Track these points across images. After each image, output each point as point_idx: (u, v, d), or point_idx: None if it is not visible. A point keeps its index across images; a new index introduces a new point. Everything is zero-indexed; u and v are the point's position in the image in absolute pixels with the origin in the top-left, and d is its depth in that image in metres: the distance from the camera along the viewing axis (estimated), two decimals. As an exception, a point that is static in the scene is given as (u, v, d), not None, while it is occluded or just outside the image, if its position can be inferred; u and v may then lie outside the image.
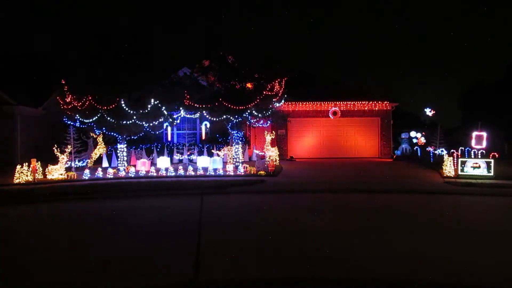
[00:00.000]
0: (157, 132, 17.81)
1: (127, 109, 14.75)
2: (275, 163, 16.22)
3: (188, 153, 19.30)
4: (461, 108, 30.88)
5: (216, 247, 6.73)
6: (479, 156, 14.74)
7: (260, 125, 17.80)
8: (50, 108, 20.14)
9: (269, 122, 17.62)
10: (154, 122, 15.77)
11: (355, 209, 10.10)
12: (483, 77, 29.95)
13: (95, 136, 17.67)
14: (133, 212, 10.01)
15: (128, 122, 15.16)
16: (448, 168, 14.45)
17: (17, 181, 13.39)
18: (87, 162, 17.27)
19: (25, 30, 34.59)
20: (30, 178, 13.62)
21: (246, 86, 15.63)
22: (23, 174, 13.55)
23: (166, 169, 15.22)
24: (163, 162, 16.48)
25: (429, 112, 19.66)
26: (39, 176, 14.08)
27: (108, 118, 14.97)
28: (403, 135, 21.59)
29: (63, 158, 15.00)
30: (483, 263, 5.92)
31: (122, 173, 14.73)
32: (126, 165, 15.98)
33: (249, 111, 15.90)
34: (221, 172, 14.99)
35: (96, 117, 15.09)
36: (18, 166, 13.65)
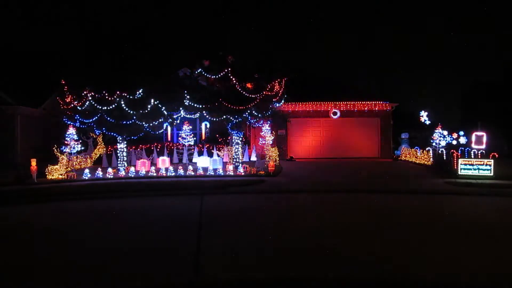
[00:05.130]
0: (157, 132, 17.80)
1: (127, 109, 14.75)
2: (275, 163, 16.21)
3: (188, 153, 19.30)
4: (461, 108, 30.91)
5: (216, 247, 6.74)
6: (479, 156, 14.75)
7: (260, 125, 17.80)
8: (50, 108, 20.15)
9: (269, 122, 17.61)
10: (154, 122, 15.76)
11: (355, 209, 10.10)
12: (483, 77, 29.91)
13: (95, 136, 17.68)
14: (133, 212, 10.01)
15: (128, 122, 15.16)
16: (448, 168, 14.46)
17: (17, 181, 13.37)
18: (87, 159, 17.27)
19: (25, 30, 34.55)
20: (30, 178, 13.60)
21: (246, 86, 15.62)
22: (22, 174, 13.54)
23: (166, 169, 15.21)
24: (163, 162, 16.48)
25: (426, 116, 19.92)
26: (39, 176, 14.06)
27: (108, 118, 14.97)
28: (403, 135, 21.61)
29: (62, 158, 15.02)
30: (483, 263, 5.92)
31: (122, 173, 14.72)
32: (126, 165, 15.98)
33: (249, 111, 15.90)
34: (221, 172, 14.98)
35: (96, 117, 15.09)
36: (18, 166, 13.65)
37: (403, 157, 20.70)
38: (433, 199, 11.53)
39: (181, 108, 16.03)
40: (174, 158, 19.17)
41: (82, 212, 10.19)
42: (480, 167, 13.89)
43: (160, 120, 15.86)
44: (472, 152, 15.38)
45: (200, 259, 6.16)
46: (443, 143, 17.88)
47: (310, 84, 23.09)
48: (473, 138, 15.56)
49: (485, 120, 19.91)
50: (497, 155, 14.26)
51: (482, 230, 7.86)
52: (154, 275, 5.51)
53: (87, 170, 14.49)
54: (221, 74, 15.40)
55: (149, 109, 14.98)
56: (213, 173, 14.87)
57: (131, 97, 14.90)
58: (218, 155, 17.47)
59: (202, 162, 16.85)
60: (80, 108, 15.11)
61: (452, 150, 15.40)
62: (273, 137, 17.68)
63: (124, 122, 15.15)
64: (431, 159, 17.58)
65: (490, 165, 13.80)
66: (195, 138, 20.72)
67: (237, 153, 16.64)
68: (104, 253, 6.53)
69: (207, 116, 16.58)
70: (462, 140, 17.52)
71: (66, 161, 15.32)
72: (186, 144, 18.65)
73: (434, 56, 36.69)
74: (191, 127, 19.06)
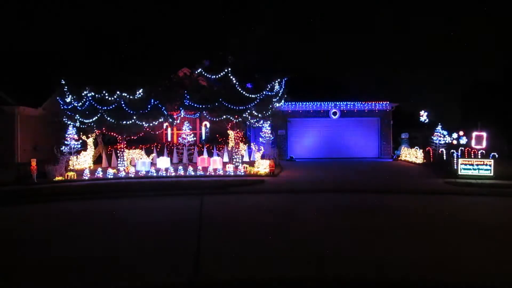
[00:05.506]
0: (157, 132, 17.80)
1: (127, 109, 14.75)
2: (275, 163, 16.20)
3: (188, 153, 19.29)
4: (461, 108, 30.93)
5: (216, 247, 6.74)
6: (479, 156, 14.74)
7: (260, 125, 17.80)
8: (50, 108, 20.12)
9: (269, 122, 17.62)
10: (154, 122, 15.76)
11: (355, 209, 10.10)
12: (483, 77, 29.92)
13: (94, 136, 17.68)
14: (133, 212, 10.01)
15: (128, 122, 15.17)
16: (448, 168, 14.47)
17: (17, 181, 13.36)
18: (87, 161, 17.26)
19: (25, 30, 34.55)
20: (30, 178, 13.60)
21: (246, 86, 15.63)
22: (22, 174, 13.52)
23: (166, 169, 15.22)
24: (163, 162, 16.48)
25: (425, 116, 20.02)
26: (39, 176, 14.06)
27: (108, 118, 14.97)
28: (403, 135, 21.61)
29: (62, 158, 15.00)
30: (483, 263, 5.92)
31: (122, 173, 14.73)
32: (126, 165, 15.98)
33: (249, 111, 15.90)
34: (221, 172, 14.98)
35: (96, 117, 15.09)
36: (18, 166, 13.63)
37: (403, 157, 20.69)
38: (433, 199, 11.52)
39: (181, 108, 16.03)
40: (174, 158, 19.17)
41: (82, 212, 10.19)
42: (480, 167, 13.89)
43: (160, 120, 15.86)
44: (472, 152, 15.38)
45: (200, 259, 6.16)
46: (443, 143, 17.88)
47: (310, 84, 23.09)
48: (473, 138, 15.56)
49: (485, 120, 19.88)
50: (497, 155, 14.26)
51: (482, 230, 7.86)
52: (154, 275, 5.51)
53: (86, 170, 14.50)
54: (221, 74, 15.41)
55: (149, 109, 14.98)
56: (213, 173, 14.88)
57: (131, 97, 14.91)
58: (218, 155, 17.45)
59: (202, 162, 16.85)
60: (80, 108, 15.11)
61: (452, 150, 15.40)
62: (273, 137, 17.66)
63: (124, 122, 15.15)
64: (431, 159, 17.60)
65: (490, 165, 13.80)
66: (195, 138, 20.73)
67: (237, 153, 16.65)
68: (104, 253, 6.53)
69: (207, 116, 16.57)
70: (462, 140, 17.51)
71: (66, 161, 15.31)
72: (186, 144, 18.65)
73: (434, 56, 36.69)
74: (191, 127, 19.06)
